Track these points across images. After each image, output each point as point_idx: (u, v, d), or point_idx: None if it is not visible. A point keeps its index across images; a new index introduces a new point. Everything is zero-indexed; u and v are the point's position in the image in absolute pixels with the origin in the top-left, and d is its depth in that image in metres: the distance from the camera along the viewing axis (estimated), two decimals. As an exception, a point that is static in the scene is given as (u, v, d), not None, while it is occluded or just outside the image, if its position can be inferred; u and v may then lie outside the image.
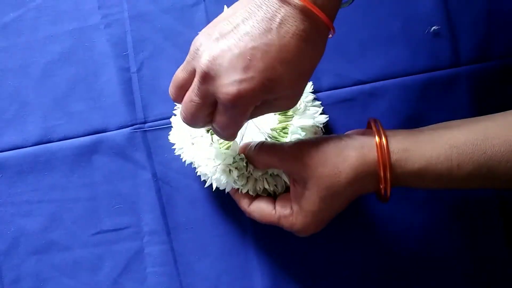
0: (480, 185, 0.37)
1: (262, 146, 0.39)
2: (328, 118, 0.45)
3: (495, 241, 0.48)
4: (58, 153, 0.48)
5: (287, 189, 0.42)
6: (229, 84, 0.29)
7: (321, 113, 0.45)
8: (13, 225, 0.48)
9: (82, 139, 0.49)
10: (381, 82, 0.49)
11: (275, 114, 0.45)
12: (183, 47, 0.49)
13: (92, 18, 0.51)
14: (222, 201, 0.48)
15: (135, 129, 0.48)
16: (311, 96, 0.46)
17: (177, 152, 0.44)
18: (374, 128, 0.36)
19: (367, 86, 0.49)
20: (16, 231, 0.48)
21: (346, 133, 0.40)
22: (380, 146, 0.35)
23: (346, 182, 0.35)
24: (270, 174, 0.41)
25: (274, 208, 0.39)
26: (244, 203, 0.42)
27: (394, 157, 0.35)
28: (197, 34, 0.46)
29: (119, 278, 0.47)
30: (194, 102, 0.32)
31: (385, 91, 0.49)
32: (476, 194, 0.48)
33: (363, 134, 0.38)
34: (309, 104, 0.45)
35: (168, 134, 0.47)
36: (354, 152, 0.35)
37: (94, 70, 0.50)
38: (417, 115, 0.49)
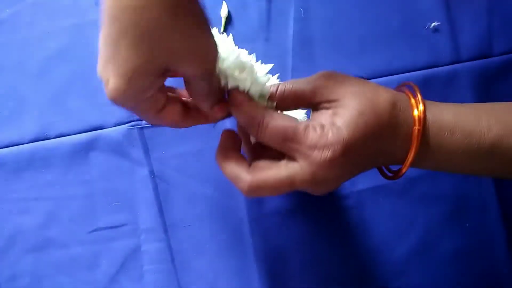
0: (506, 162, 0.34)
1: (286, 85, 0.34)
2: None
3: (494, 240, 0.48)
4: (55, 150, 0.48)
5: None
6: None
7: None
8: (9, 222, 0.48)
9: (79, 136, 0.48)
10: (381, 79, 0.49)
11: None
12: None
13: (89, 14, 0.50)
14: (220, 198, 0.48)
15: (132, 126, 0.48)
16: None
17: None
18: (404, 87, 0.35)
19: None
20: (13, 229, 0.47)
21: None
22: (411, 92, 0.33)
23: (385, 102, 0.31)
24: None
25: (296, 125, 0.32)
26: (240, 168, 0.34)
27: (427, 104, 0.33)
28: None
29: (116, 275, 0.47)
30: None
31: (385, 88, 0.48)
32: (477, 195, 0.48)
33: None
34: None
35: (168, 133, 0.47)
36: (387, 91, 0.33)
37: (91, 67, 0.49)
38: None
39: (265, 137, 0.32)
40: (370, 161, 0.33)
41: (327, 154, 0.30)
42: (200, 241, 0.47)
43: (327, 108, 0.33)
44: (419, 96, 0.33)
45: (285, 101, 0.34)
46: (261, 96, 0.34)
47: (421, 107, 0.32)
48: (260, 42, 0.49)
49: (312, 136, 0.31)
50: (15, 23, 0.50)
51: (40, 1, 0.51)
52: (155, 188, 0.48)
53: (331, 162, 0.30)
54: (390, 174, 0.36)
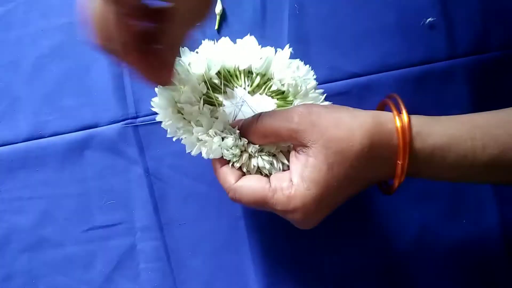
0: (502, 176, 0.34)
1: (262, 113, 0.34)
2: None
3: (490, 236, 0.48)
4: (49, 149, 0.48)
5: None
6: None
7: (322, 101, 0.41)
8: (4, 222, 0.47)
9: (73, 134, 0.48)
10: (377, 75, 0.48)
11: (273, 98, 0.41)
12: None
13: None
14: (216, 196, 0.47)
15: (126, 124, 0.48)
16: (313, 83, 0.41)
17: (159, 118, 0.38)
18: (390, 103, 0.33)
19: (362, 79, 0.48)
20: (7, 228, 0.47)
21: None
22: (399, 116, 0.31)
23: (360, 149, 0.30)
24: (266, 153, 0.37)
25: (268, 183, 0.33)
26: (230, 177, 0.35)
27: (415, 129, 0.31)
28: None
29: (112, 274, 0.47)
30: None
31: (381, 84, 0.48)
32: (474, 191, 0.48)
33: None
34: (310, 90, 0.41)
35: (163, 131, 0.46)
36: (371, 118, 0.31)
37: (85, 65, 0.49)
38: (414, 107, 0.48)
39: (241, 202, 0.34)
40: (354, 194, 0.34)
41: (298, 215, 0.32)
42: (195, 239, 0.47)
43: (301, 153, 0.33)
44: (405, 120, 0.32)
45: (264, 140, 0.35)
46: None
47: (407, 134, 0.31)
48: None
49: (281, 202, 0.32)
50: (8, 21, 0.50)
51: None
52: (150, 186, 0.47)
53: (305, 217, 0.32)
54: (384, 186, 0.36)
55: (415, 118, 0.33)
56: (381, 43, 0.49)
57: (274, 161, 0.37)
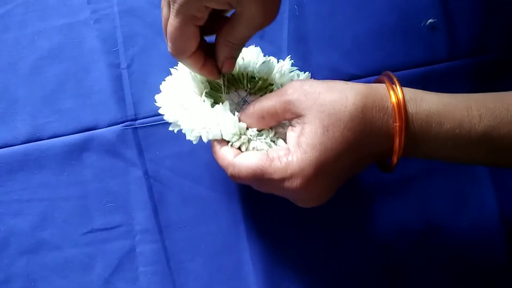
0: (498, 153, 0.33)
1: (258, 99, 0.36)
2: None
3: (492, 238, 0.47)
4: (48, 151, 0.48)
5: None
6: None
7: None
8: (2, 224, 0.47)
9: (72, 136, 0.48)
10: (377, 77, 0.48)
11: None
12: None
13: (81, 13, 0.50)
14: (215, 199, 0.47)
15: (125, 126, 0.48)
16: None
17: (161, 111, 0.39)
18: (385, 79, 0.34)
19: (363, 80, 0.48)
20: (6, 231, 0.47)
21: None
22: (391, 85, 0.32)
23: (353, 109, 0.30)
24: (265, 137, 0.36)
25: (266, 154, 0.33)
26: (229, 154, 0.34)
27: (408, 95, 0.32)
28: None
29: (111, 277, 0.47)
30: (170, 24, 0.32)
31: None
32: (475, 191, 0.48)
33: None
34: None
35: (162, 133, 0.47)
36: (363, 85, 0.32)
37: (83, 67, 0.49)
38: None
39: (240, 180, 0.34)
40: (355, 167, 0.33)
41: (297, 182, 0.31)
42: (195, 241, 0.47)
43: (296, 125, 0.33)
44: (397, 87, 0.32)
45: (262, 121, 0.35)
46: None
47: (400, 95, 0.31)
48: (255, 40, 0.48)
49: (279, 169, 0.31)
50: (6, 23, 0.50)
51: (31, 0, 0.50)
52: (150, 188, 0.47)
53: (305, 186, 0.31)
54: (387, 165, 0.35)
55: (408, 89, 0.33)
56: (382, 44, 0.49)
57: (273, 144, 0.36)
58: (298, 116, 0.32)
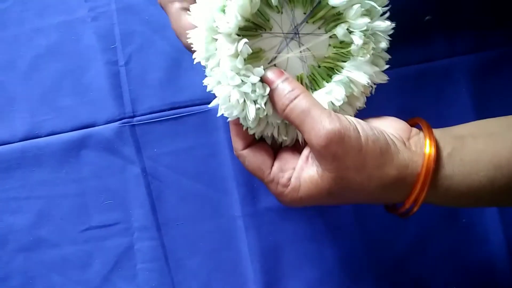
0: None
1: (298, 97, 0.31)
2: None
3: (490, 236, 0.48)
4: (46, 149, 0.48)
5: (293, 147, 0.36)
6: None
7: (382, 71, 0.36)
8: (0, 222, 0.47)
9: (70, 134, 0.48)
10: None
11: (330, 45, 0.35)
12: (172, 40, 0.49)
13: (78, 11, 0.50)
14: (213, 196, 0.47)
15: (123, 123, 0.48)
16: (385, 42, 0.35)
17: (190, 40, 0.33)
18: (426, 138, 0.32)
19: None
20: (4, 228, 0.47)
21: (392, 126, 0.33)
22: (425, 175, 0.30)
23: (370, 192, 0.31)
24: (285, 123, 0.35)
25: (271, 167, 0.33)
26: (238, 144, 0.35)
27: (437, 183, 0.31)
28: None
29: (109, 274, 0.47)
30: None
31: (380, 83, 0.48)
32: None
33: (409, 138, 0.33)
34: (379, 52, 0.35)
35: (160, 130, 0.47)
36: (395, 171, 0.30)
37: (81, 64, 0.49)
38: (413, 106, 0.49)
39: (239, 159, 0.35)
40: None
41: (283, 204, 0.34)
42: (193, 239, 0.47)
43: (313, 162, 0.32)
44: (429, 178, 0.31)
45: (286, 119, 0.32)
46: None
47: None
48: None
49: (273, 191, 0.34)
50: (3, 20, 0.50)
51: None
52: (148, 186, 0.47)
53: (289, 206, 0.35)
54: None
55: (442, 169, 0.31)
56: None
57: (290, 132, 0.35)
58: (324, 165, 0.31)
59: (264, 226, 0.47)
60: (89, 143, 0.47)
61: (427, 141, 0.31)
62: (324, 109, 0.31)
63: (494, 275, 0.47)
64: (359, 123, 0.31)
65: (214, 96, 0.48)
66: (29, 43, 0.49)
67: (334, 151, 0.29)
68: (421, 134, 0.33)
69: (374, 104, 0.47)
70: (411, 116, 0.38)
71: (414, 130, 0.33)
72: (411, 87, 0.48)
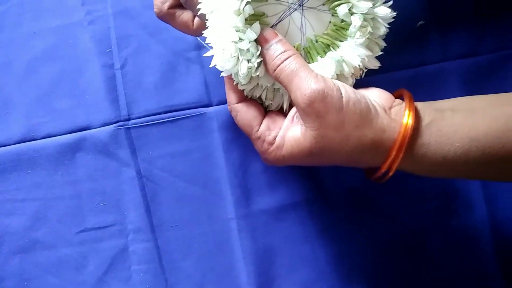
0: (491, 176, 0.36)
1: (289, 59, 0.33)
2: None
3: (480, 237, 0.48)
4: (41, 151, 0.48)
5: (280, 110, 0.38)
6: None
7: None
8: (-4, 224, 0.48)
9: (65, 136, 0.48)
10: (368, 78, 0.49)
11: (330, 22, 0.37)
12: (168, 44, 0.49)
13: (75, 14, 0.50)
14: (207, 198, 0.48)
15: (119, 126, 0.48)
16: (383, 29, 0.36)
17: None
18: (406, 109, 0.33)
19: (355, 80, 0.49)
20: (0, 230, 0.47)
21: (376, 94, 0.36)
22: (401, 141, 0.32)
23: (348, 151, 0.32)
24: (274, 88, 0.36)
25: (259, 124, 0.36)
26: (232, 97, 0.37)
27: (413, 151, 0.33)
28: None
29: (104, 276, 0.47)
30: None
31: (373, 86, 0.48)
32: (462, 191, 0.49)
33: (390, 108, 0.34)
34: (376, 37, 0.37)
35: (155, 133, 0.48)
36: (373, 134, 0.32)
37: (77, 67, 0.49)
38: None
39: (231, 112, 0.38)
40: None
41: (266, 162, 0.36)
42: (187, 241, 0.47)
43: (298, 121, 0.34)
44: (405, 143, 0.32)
45: (276, 78, 0.34)
46: None
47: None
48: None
49: (259, 148, 0.36)
50: (1, 23, 0.50)
51: (26, 1, 0.51)
52: (142, 188, 0.48)
53: (272, 164, 0.36)
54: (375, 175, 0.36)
55: (420, 137, 0.33)
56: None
57: (277, 98, 0.37)
58: (303, 118, 0.33)
59: (257, 228, 0.47)
60: (84, 146, 0.48)
61: (407, 111, 0.32)
62: (311, 71, 0.33)
63: (482, 277, 0.48)
64: (343, 86, 0.33)
65: (208, 99, 0.49)
66: (25, 46, 0.50)
67: (317, 108, 0.31)
68: (403, 104, 0.34)
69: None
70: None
71: (398, 100, 0.35)
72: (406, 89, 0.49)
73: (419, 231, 0.48)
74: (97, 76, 0.49)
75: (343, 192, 0.48)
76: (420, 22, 0.49)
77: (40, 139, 0.48)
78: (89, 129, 0.48)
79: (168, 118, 0.48)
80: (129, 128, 0.48)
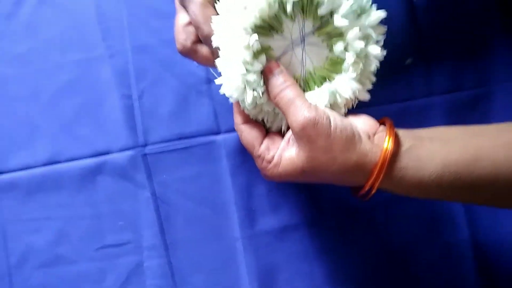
0: (462, 199, 0.40)
1: (288, 88, 0.37)
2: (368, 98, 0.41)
3: (463, 256, 0.52)
4: (65, 174, 0.52)
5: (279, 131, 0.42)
6: None
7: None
8: (22, 240, 0.51)
9: (87, 160, 0.52)
10: (359, 110, 0.51)
11: (327, 57, 0.39)
12: (181, 77, 0.53)
13: (97, 49, 0.54)
14: (216, 219, 0.51)
15: (136, 151, 0.52)
16: (374, 66, 0.39)
17: (212, 26, 0.38)
18: (387, 135, 0.36)
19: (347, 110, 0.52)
20: (25, 246, 0.51)
21: (362, 121, 0.39)
22: (381, 165, 0.35)
23: (334, 171, 0.36)
24: (274, 112, 0.40)
25: (260, 144, 0.39)
26: (238, 118, 0.41)
27: (392, 173, 0.36)
28: (196, 66, 0.49)
29: (121, 289, 0.50)
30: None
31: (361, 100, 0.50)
32: (446, 212, 0.52)
33: (374, 134, 0.38)
34: (368, 73, 0.39)
35: (169, 158, 0.52)
36: (356, 157, 0.36)
37: (98, 97, 0.53)
38: None
39: (236, 131, 0.41)
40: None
41: (267, 179, 0.40)
42: (197, 258, 0.51)
43: (294, 143, 0.37)
44: (385, 167, 0.35)
45: (275, 104, 0.38)
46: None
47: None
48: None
49: (259, 166, 0.39)
50: (30, 57, 0.54)
51: (53, 36, 0.54)
52: (157, 209, 0.51)
53: (270, 180, 0.40)
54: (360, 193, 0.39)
55: (398, 161, 0.36)
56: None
57: (276, 122, 0.40)
58: (296, 142, 0.37)
59: (261, 247, 0.51)
60: (104, 169, 0.52)
61: (387, 137, 0.36)
62: (305, 101, 0.37)
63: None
64: (332, 115, 0.36)
65: (217, 127, 0.53)
66: (51, 78, 0.53)
67: (308, 133, 0.35)
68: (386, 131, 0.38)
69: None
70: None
71: (382, 127, 0.38)
72: (395, 121, 0.51)
73: (407, 249, 0.51)
74: (117, 105, 0.53)
75: (339, 214, 0.52)
76: (409, 60, 0.53)
77: (64, 162, 0.52)
78: (109, 154, 0.52)
79: (181, 144, 0.52)
80: (145, 153, 0.52)
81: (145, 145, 0.52)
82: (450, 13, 0.54)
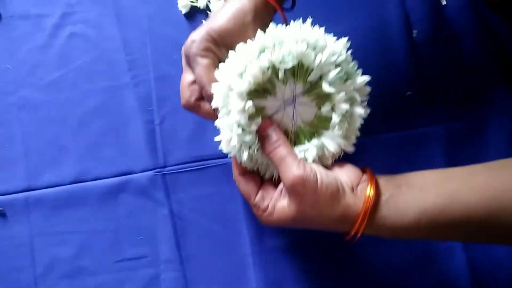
0: (439, 238, 0.44)
1: (280, 147, 0.40)
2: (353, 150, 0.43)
3: (459, 282, 0.53)
4: (89, 192, 0.55)
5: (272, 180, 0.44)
6: None
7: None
8: (48, 252, 0.54)
9: (111, 180, 0.56)
10: (362, 139, 0.46)
11: (316, 115, 0.42)
12: None
13: (122, 78, 0.59)
14: (228, 235, 0.55)
15: (156, 172, 0.56)
16: (358, 123, 0.41)
17: (212, 90, 0.41)
18: (368, 184, 0.39)
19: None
20: (50, 258, 0.54)
21: (346, 173, 0.41)
22: (363, 215, 0.38)
23: (322, 221, 0.40)
24: (268, 163, 0.42)
25: (256, 194, 0.42)
26: (235, 171, 0.44)
27: (374, 222, 0.39)
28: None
29: (138, 300, 0.53)
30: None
31: (363, 148, 0.48)
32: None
33: (357, 184, 0.40)
34: (353, 129, 0.42)
35: (186, 179, 0.55)
36: (341, 210, 0.38)
37: (123, 122, 0.57)
38: (396, 164, 0.56)
39: (235, 181, 0.44)
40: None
41: (262, 220, 0.42)
42: (210, 271, 0.54)
43: (285, 195, 0.40)
44: (366, 218, 0.38)
45: (271, 158, 0.41)
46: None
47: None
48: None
49: (255, 213, 0.42)
50: (61, 84, 0.59)
51: (81, 66, 0.59)
52: (174, 225, 0.55)
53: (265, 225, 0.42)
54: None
55: (379, 211, 0.39)
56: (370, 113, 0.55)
57: (268, 171, 0.43)
58: (288, 194, 0.40)
59: (269, 262, 0.54)
60: (127, 188, 0.55)
61: (368, 189, 0.39)
62: (296, 158, 0.40)
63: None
64: (319, 171, 0.39)
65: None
66: (80, 103, 0.58)
67: (297, 190, 0.38)
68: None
69: (366, 160, 0.52)
70: (395, 172, 0.42)
71: (364, 176, 0.41)
72: (395, 149, 0.55)
73: (406, 271, 0.53)
74: (139, 130, 0.57)
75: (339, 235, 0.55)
76: (408, 93, 0.57)
77: (90, 181, 0.56)
78: (131, 173, 0.56)
79: (197, 166, 0.56)
80: (164, 174, 0.56)
81: (164, 166, 0.56)
82: (447, 49, 0.58)
